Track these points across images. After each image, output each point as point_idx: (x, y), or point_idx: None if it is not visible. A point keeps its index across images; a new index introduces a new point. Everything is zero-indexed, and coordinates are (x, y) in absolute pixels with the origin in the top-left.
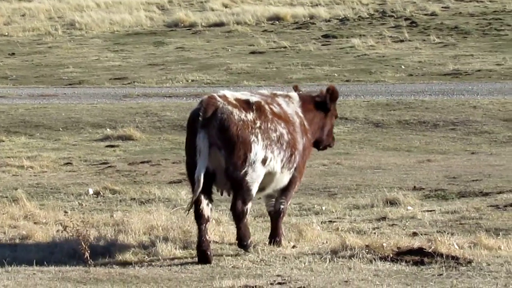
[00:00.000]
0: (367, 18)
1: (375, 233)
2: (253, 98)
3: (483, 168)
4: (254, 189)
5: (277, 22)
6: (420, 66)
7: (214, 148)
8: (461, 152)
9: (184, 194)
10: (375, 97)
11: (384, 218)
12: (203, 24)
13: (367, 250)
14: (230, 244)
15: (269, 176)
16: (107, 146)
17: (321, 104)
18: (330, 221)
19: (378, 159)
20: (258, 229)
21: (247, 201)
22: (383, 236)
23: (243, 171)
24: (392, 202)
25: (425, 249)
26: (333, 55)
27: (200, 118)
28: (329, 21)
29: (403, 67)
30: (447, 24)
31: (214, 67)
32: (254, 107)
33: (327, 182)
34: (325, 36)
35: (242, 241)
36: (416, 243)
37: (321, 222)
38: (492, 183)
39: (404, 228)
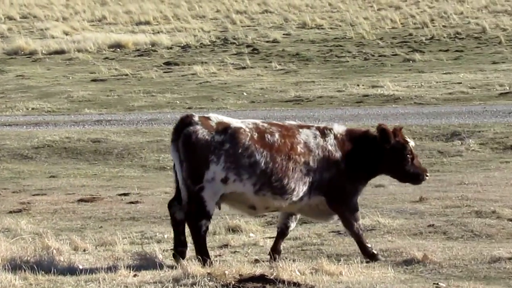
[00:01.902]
0: (209, 45)
1: (217, 260)
2: (236, 124)
3: None
4: (210, 205)
5: (118, 49)
6: (262, 93)
7: (181, 161)
8: None
9: (24, 223)
10: None
11: (226, 245)
12: (43, 51)
13: (209, 278)
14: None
15: (241, 195)
16: None
17: (369, 142)
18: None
19: None
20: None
21: (203, 216)
22: (225, 263)
23: (199, 186)
24: (234, 229)
25: (267, 276)
26: (175, 82)
27: (172, 132)
28: (171, 48)
29: (245, 94)
30: (288, 51)
31: (55, 95)
32: (229, 131)
33: None
34: (167, 63)
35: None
36: (258, 270)
37: (164, 251)
38: None
39: (246, 255)
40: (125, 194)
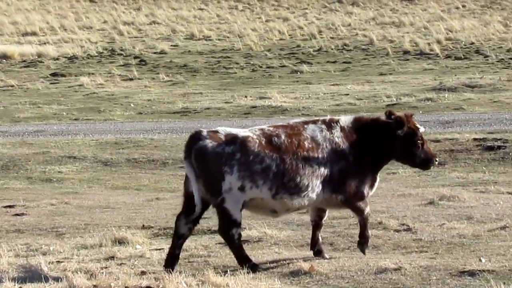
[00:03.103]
0: (96, 56)
1: (103, 272)
2: (243, 133)
3: None
4: (235, 213)
5: (4, 60)
6: (149, 104)
7: (197, 176)
8: None
9: None
10: (104, 135)
11: (112, 258)
12: None
13: None
14: None
15: (262, 201)
16: None
17: (379, 129)
18: (58, 262)
19: (107, 198)
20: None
21: (232, 225)
22: (111, 275)
23: (220, 198)
24: (121, 241)
25: None
26: (62, 93)
27: (184, 149)
28: (57, 59)
29: (132, 105)
30: (176, 62)
31: None
32: (238, 141)
33: (55, 222)
34: (54, 74)
35: (241, 265)
36: (144, 282)
37: (49, 263)
38: None
39: (133, 267)
40: (10, 206)
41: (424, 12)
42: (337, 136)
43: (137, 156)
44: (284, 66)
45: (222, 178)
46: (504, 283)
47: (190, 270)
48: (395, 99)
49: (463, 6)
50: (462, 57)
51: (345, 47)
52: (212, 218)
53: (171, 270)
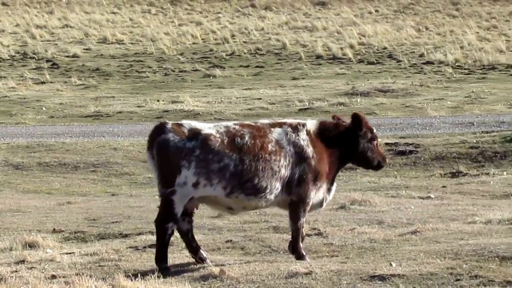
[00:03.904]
0: (8, 59)
1: (13, 276)
2: (207, 131)
3: (123, 209)
4: (178, 208)
5: None
6: (61, 108)
7: (156, 167)
8: (101, 194)
9: None
10: (15, 139)
11: (23, 261)
12: None
13: None
14: None
15: (210, 198)
16: None
17: (344, 132)
18: None
19: (18, 202)
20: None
21: (170, 218)
22: (21, 279)
23: (170, 189)
24: (31, 245)
25: None
26: None
27: (147, 140)
28: None
29: (44, 109)
30: (88, 66)
31: None
32: (200, 137)
33: None
34: None
35: (157, 263)
36: (54, 286)
37: None
38: (132, 224)
39: (43, 271)
40: None
41: (337, 17)
42: (302, 139)
43: (48, 159)
44: (196, 70)
45: (178, 171)
46: None
47: (100, 274)
48: (307, 104)
49: (376, 11)
50: (375, 61)
51: (258, 51)
52: (123, 223)
53: (201, 258)
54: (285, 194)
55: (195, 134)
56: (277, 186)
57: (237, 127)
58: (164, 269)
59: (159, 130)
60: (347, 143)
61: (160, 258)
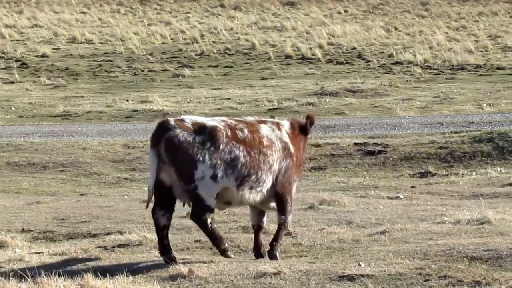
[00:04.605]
0: None
1: None
2: (210, 123)
3: (92, 209)
4: (209, 201)
5: None
6: (30, 108)
7: (165, 165)
8: (70, 193)
9: None
10: None
11: None
12: None
13: None
14: None
15: (228, 191)
16: None
17: (304, 129)
18: None
19: None
20: None
21: (205, 210)
22: None
23: (193, 185)
24: (0, 245)
25: None
26: None
27: (151, 138)
28: None
29: (13, 108)
30: (58, 66)
31: None
32: (207, 130)
33: None
34: None
35: (218, 247)
36: (23, 286)
37: None
38: (101, 224)
39: (12, 270)
40: None
41: (306, 17)
42: (285, 136)
43: (17, 159)
44: (166, 70)
45: (194, 166)
46: None
47: (69, 274)
48: (276, 104)
49: (345, 11)
50: (344, 62)
51: (227, 51)
52: (92, 222)
53: (170, 257)
54: (273, 188)
55: (201, 127)
56: (270, 180)
57: (233, 121)
58: (224, 250)
59: (164, 127)
60: (304, 141)
61: (217, 243)
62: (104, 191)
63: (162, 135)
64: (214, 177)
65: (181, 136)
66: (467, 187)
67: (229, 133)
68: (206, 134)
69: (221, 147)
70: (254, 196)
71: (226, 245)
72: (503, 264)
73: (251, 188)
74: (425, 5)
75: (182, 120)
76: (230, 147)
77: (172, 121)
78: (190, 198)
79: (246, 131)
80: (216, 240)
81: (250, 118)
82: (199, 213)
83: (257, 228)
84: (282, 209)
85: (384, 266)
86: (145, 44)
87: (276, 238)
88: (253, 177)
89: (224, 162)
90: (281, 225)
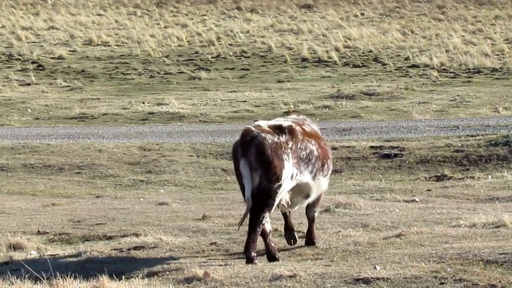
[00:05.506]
0: None
1: None
2: (285, 123)
3: (108, 211)
4: (278, 199)
5: None
6: (46, 110)
7: (254, 171)
8: (86, 195)
9: None
10: (0, 140)
11: (7, 263)
12: None
13: None
14: None
15: (299, 186)
16: None
17: None
18: None
19: (2, 204)
20: None
21: (269, 207)
22: (5, 281)
23: (277, 184)
24: (16, 247)
25: None
26: None
27: (239, 149)
28: None
29: (29, 110)
30: (74, 68)
31: None
32: (286, 130)
33: None
34: None
35: (246, 251)
36: (38, 287)
37: None
38: (117, 226)
39: (27, 272)
40: None
41: (322, 20)
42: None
43: (33, 161)
44: (182, 72)
45: (283, 165)
46: None
47: (85, 276)
48: (292, 107)
49: (362, 14)
50: (360, 65)
51: (243, 54)
52: (107, 224)
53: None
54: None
55: (280, 129)
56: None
57: (293, 119)
58: (250, 257)
59: (249, 135)
60: None
61: (253, 237)
62: (119, 193)
63: (251, 141)
64: (292, 176)
65: (269, 139)
66: (483, 190)
67: (301, 130)
68: (286, 134)
69: (299, 145)
70: (326, 183)
71: (254, 253)
72: None
73: (324, 176)
74: (441, 8)
75: (259, 126)
76: (305, 144)
77: (252, 128)
78: (260, 194)
79: (308, 125)
80: (254, 238)
81: (295, 116)
82: (262, 208)
83: (285, 214)
84: (315, 204)
85: (399, 269)
86: (161, 46)
87: (310, 230)
88: (324, 166)
89: (301, 159)
90: (311, 216)
